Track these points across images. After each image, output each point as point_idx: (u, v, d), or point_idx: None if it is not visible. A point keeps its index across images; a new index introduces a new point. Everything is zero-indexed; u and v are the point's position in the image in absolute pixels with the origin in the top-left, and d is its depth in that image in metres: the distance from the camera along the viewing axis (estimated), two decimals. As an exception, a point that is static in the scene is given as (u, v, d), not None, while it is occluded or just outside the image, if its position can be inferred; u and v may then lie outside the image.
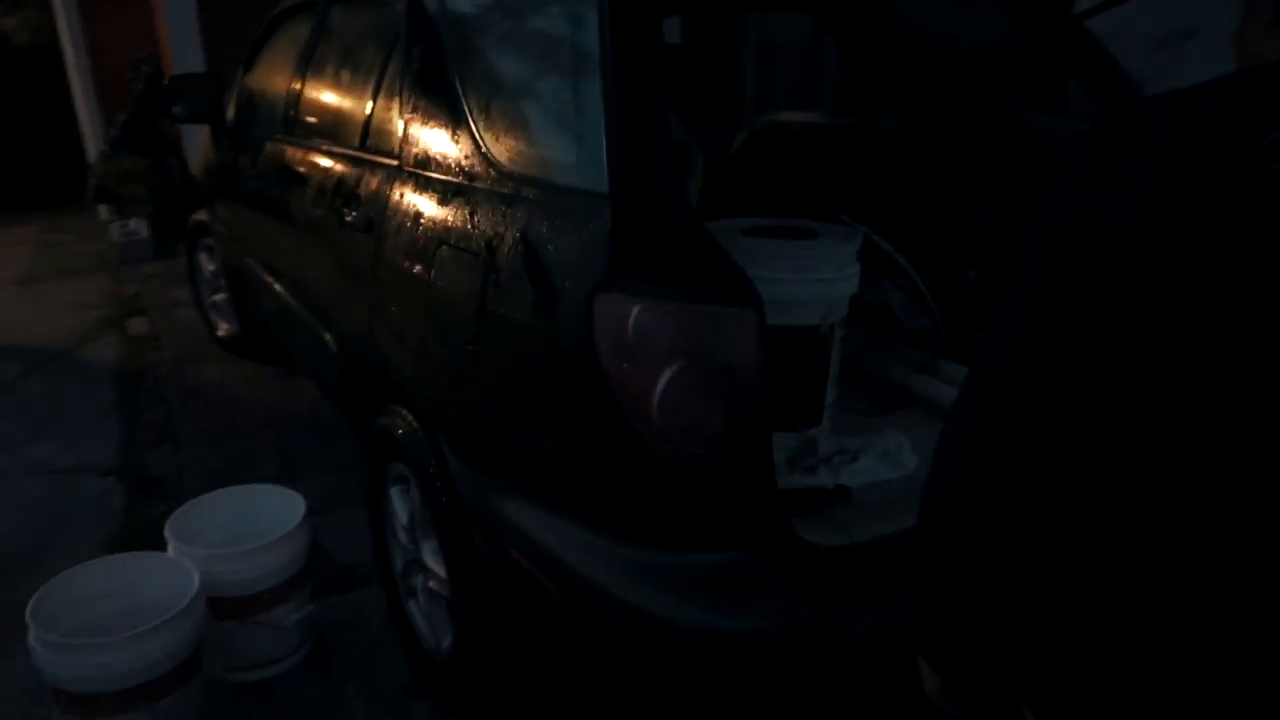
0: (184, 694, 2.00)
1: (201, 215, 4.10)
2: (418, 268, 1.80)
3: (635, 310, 1.31)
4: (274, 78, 3.06)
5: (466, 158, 1.73)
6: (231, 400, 3.88)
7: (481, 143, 1.70)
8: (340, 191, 2.26)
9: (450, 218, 1.73)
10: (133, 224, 5.92)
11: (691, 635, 1.33)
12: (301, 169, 2.58)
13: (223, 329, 4.29)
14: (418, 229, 1.83)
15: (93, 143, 6.61)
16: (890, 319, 2.37)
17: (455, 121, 1.79)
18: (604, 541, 1.41)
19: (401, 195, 1.93)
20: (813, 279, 1.76)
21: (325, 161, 2.44)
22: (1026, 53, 3.43)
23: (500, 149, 1.66)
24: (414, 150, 1.93)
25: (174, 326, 4.76)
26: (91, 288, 5.47)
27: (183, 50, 5.73)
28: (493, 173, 1.65)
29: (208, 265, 4.28)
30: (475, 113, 1.74)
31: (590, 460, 1.42)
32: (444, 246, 1.72)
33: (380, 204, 2.01)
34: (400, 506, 2.19)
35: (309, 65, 2.74)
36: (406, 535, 2.17)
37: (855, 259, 1.86)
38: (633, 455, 1.34)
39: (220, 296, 4.20)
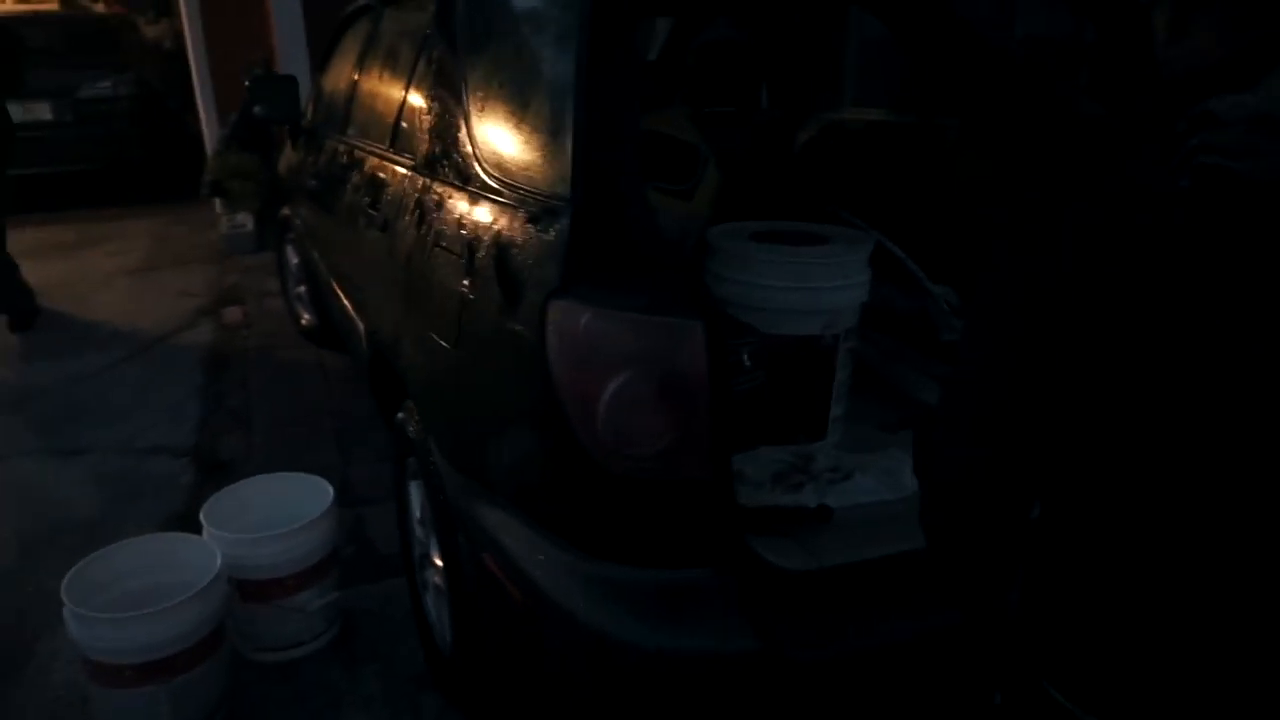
0: (203, 670, 2.09)
1: (286, 210, 4.30)
2: (418, 268, 1.82)
3: (585, 317, 1.27)
4: (337, 78, 3.17)
5: (463, 160, 1.74)
6: (304, 388, 4.05)
7: (474, 145, 1.70)
8: (370, 189, 2.32)
9: (445, 219, 1.73)
10: (239, 218, 6.28)
11: (628, 652, 1.28)
12: (348, 166, 2.66)
13: (305, 319, 4.49)
14: (420, 229, 1.85)
15: (210, 141, 7.04)
16: (928, 327, 2.24)
17: (457, 124, 1.80)
18: (560, 552, 1.39)
19: (412, 195, 1.96)
20: (812, 287, 1.68)
21: (364, 160, 2.50)
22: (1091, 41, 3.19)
23: (488, 152, 1.65)
24: (425, 150, 1.95)
25: (264, 316, 5.01)
26: (198, 278, 5.82)
27: (289, 52, 6.03)
28: (481, 176, 1.64)
29: (292, 258, 4.48)
30: (473, 115, 1.74)
31: (546, 470, 1.39)
32: (437, 248, 1.73)
33: (395, 203, 2.04)
34: (417, 501, 2.22)
35: (362, 66, 2.82)
36: (420, 529, 2.21)
37: (864, 266, 1.76)
38: (581, 467, 1.30)
39: (302, 288, 4.39)
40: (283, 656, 2.37)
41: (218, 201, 6.51)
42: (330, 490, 2.43)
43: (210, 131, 7.07)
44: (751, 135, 2.58)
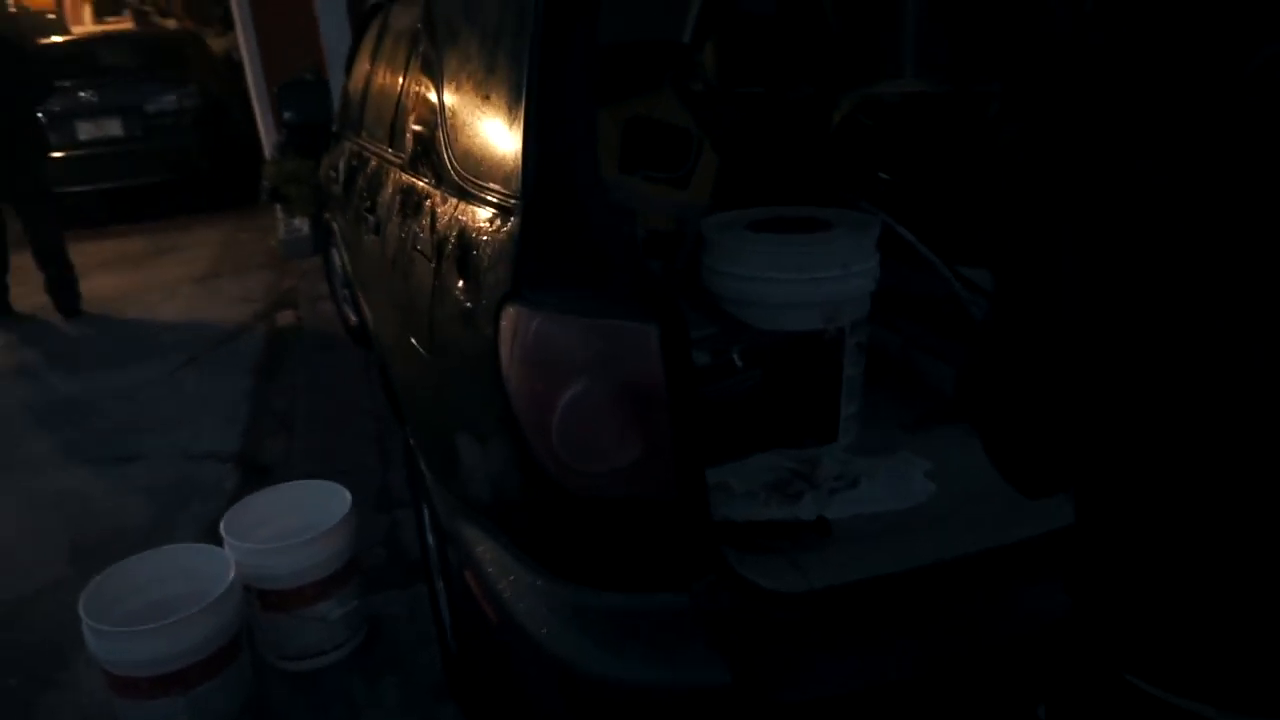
0: (221, 680, 2.09)
1: (327, 214, 4.33)
2: (400, 270, 1.76)
3: (535, 322, 1.18)
4: (355, 78, 3.15)
5: (437, 157, 1.66)
6: (349, 390, 4.07)
7: (447, 141, 1.62)
8: (370, 189, 2.27)
9: (421, 219, 1.66)
10: (296, 222, 6.39)
11: (593, 683, 1.19)
12: (357, 167, 2.63)
13: (352, 320, 4.52)
14: (402, 230, 1.79)
15: (269, 148, 7.19)
16: (960, 312, 2.07)
17: (434, 119, 1.73)
18: (529, 574, 1.31)
19: (397, 195, 1.90)
20: (809, 278, 1.55)
21: (369, 160, 2.46)
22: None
23: (458, 148, 1.57)
24: (410, 148, 1.89)
25: (316, 318, 5.08)
26: (258, 283, 5.95)
27: (336, 58, 6.08)
28: (451, 173, 1.57)
29: (336, 261, 4.52)
30: (447, 109, 1.67)
31: (509, 487, 1.31)
32: (415, 250, 1.67)
33: (386, 203, 1.99)
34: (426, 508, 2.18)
35: (373, 64, 2.78)
36: (431, 537, 2.16)
37: (870, 252, 1.62)
38: (540, 485, 1.21)
39: (347, 290, 4.43)
40: (305, 665, 2.36)
41: (278, 207, 6.65)
42: (348, 497, 2.41)
43: (268, 138, 7.21)
44: (762, 115, 2.44)
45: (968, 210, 2.41)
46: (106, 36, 8.86)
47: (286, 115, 3.60)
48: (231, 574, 2.12)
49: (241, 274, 6.19)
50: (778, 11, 3.15)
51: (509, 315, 1.21)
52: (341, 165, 3.13)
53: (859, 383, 1.69)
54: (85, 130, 7.55)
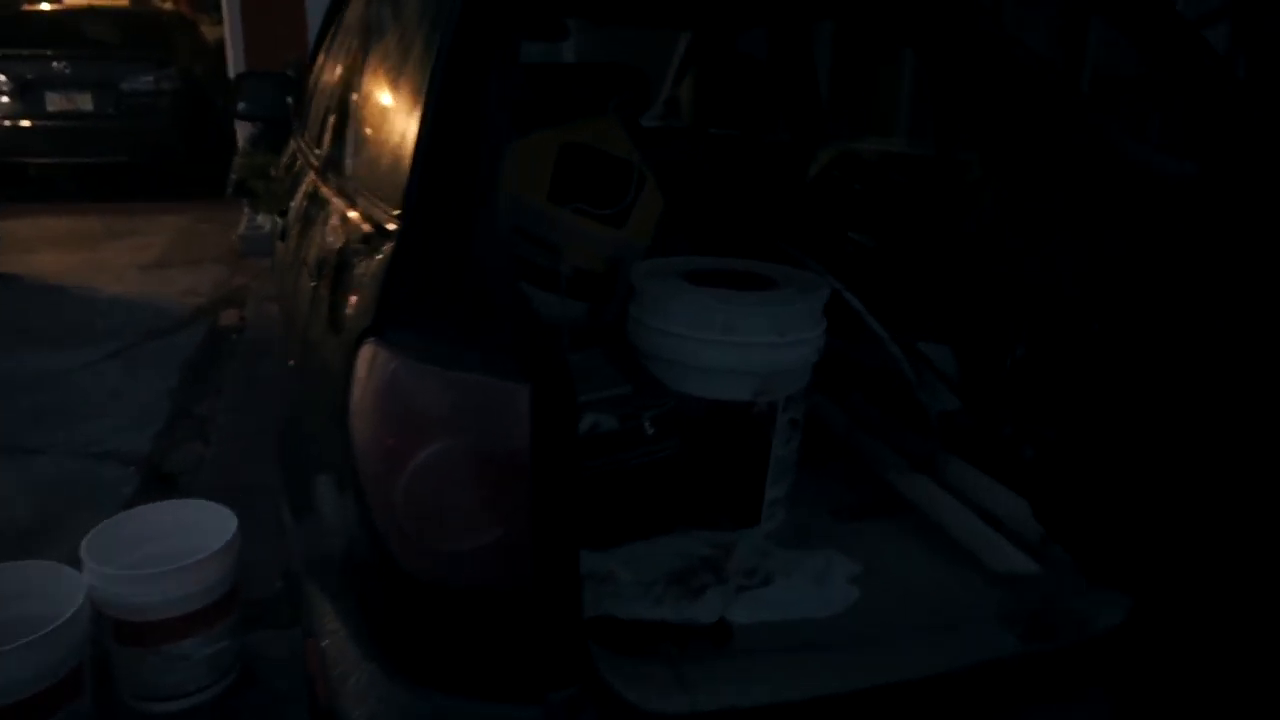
0: (65, 715, 1.86)
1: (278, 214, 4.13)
2: (289, 281, 1.56)
3: (393, 367, 0.99)
4: (312, 74, 2.98)
5: (340, 160, 1.48)
6: (276, 399, 3.84)
7: (353, 150, 1.44)
8: (291, 193, 2.08)
9: (314, 231, 1.47)
10: (258, 219, 6.16)
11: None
12: (290, 167, 2.44)
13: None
14: (300, 239, 1.60)
15: (242, 139, 6.98)
16: (910, 394, 1.90)
17: (345, 125, 1.55)
18: (365, 660, 1.10)
19: (305, 201, 1.71)
20: (740, 342, 1.37)
21: (299, 160, 2.28)
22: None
23: (359, 159, 1.39)
24: (325, 154, 1.70)
25: (260, 320, 4.84)
26: (209, 277, 5.71)
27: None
28: (349, 185, 1.38)
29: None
30: (358, 116, 1.49)
31: (351, 551, 1.10)
32: (302, 262, 1.47)
33: (296, 208, 1.80)
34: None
35: (324, 61, 2.60)
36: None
37: (816, 319, 1.44)
38: (380, 557, 1.01)
39: (290, 295, 4.23)
40: (163, 708, 2.12)
41: (245, 201, 6.43)
42: (234, 523, 2.19)
43: (242, 129, 7.01)
44: (731, 158, 2.28)
45: (935, 282, 2.25)
46: (92, 10, 8.64)
47: (241, 107, 3.40)
48: (80, 600, 1.88)
49: (194, 266, 5.95)
50: (770, 55, 3.01)
51: (365, 354, 1.02)
52: (284, 163, 2.94)
53: (790, 463, 1.51)
54: (54, 102, 7.30)
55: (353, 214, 1.28)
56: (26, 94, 7.22)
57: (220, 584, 2.13)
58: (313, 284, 1.31)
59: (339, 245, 1.24)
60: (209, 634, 2.12)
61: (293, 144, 2.85)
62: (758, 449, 1.44)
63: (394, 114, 1.24)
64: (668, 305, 1.37)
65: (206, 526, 2.22)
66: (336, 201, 1.42)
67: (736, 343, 1.35)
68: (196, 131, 8.11)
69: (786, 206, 2.40)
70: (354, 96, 1.58)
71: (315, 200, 1.61)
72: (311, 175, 1.79)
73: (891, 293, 2.23)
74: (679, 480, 1.38)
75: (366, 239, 1.14)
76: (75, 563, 2.03)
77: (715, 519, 1.46)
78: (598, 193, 1.63)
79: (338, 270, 1.19)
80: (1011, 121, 2.30)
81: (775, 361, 1.40)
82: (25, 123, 7.28)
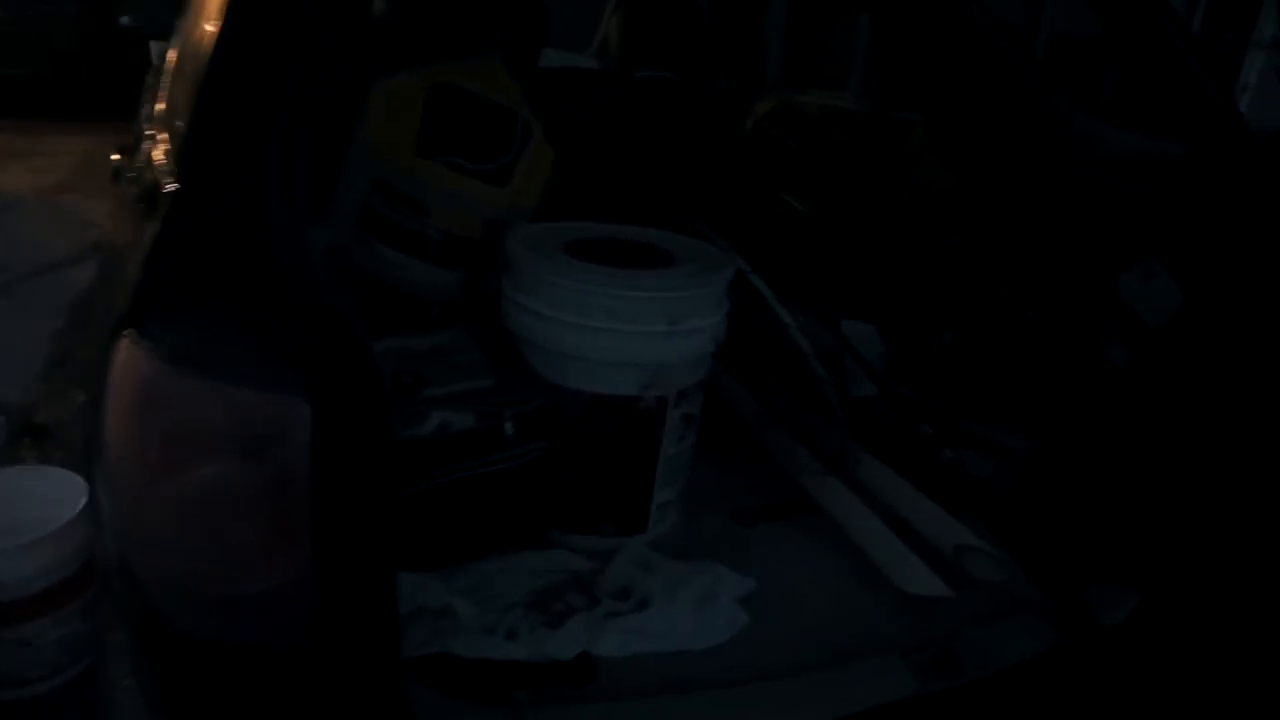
0: None
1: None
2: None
3: (145, 368, 0.79)
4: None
5: (154, 109, 1.24)
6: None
7: (168, 93, 1.20)
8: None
9: (128, 187, 1.24)
10: (170, 144, 5.76)
11: None
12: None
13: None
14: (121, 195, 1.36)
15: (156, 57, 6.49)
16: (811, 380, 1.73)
17: (164, 62, 1.30)
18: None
19: (136, 144, 1.46)
20: (626, 330, 1.18)
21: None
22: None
23: (167, 105, 1.16)
24: (154, 94, 1.45)
25: (162, 257, 4.53)
26: (110, 208, 5.32)
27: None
28: (155, 134, 1.15)
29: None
30: (178, 52, 1.24)
31: (117, 602, 0.91)
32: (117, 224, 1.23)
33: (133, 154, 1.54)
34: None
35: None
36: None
37: (717, 303, 1.26)
38: (139, 607, 0.82)
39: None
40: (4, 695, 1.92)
41: (155, 124, 6.00)
42: (84, 492, 1.96)
43: (156, 48, 6.51)
44: (644, 105, 2.06)
45: (866, 253, 2.09)
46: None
47: (123, 20, 3.05)
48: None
49: (94, 195, 5.51)
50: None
51: (120, 348, 0.81)
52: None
53: (683, 461, 1.34)
54: (-62, 8, 6.69)
55: (152, 169, 1.05)
56: (-91, -2, 6.60)
57: (70, 561, 1.91)
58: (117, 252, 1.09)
59: (134, 211, 1.02)
60: (60, 615, 1.91)
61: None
62: (644, 449, 1.26)
63: (197, 52, 1.01)
64: (542, 282, 1.18)
65: (55, 496, 1.99)
66: (153, 152, 1.19)
67: (620, 330, 1.17)
68: (107, 48, 7.52)
69: (713, 162, 2.20)
70: (189, 22, 1.33)
71: (140, 144, 1.37)
72: (145, 128, 1.55)
73: (820, 262, 2.07)
74: (547, 487, 1.20)
75: (144, 204, 0.92)
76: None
77: (596, 525, 1.30)
78: (474, 145, 1.40)
79: (125, 248, 0.98)
80: (960, 83, 2.12)
81: (666, 352, 1.21)
82: (-91, 30, 6.68)
